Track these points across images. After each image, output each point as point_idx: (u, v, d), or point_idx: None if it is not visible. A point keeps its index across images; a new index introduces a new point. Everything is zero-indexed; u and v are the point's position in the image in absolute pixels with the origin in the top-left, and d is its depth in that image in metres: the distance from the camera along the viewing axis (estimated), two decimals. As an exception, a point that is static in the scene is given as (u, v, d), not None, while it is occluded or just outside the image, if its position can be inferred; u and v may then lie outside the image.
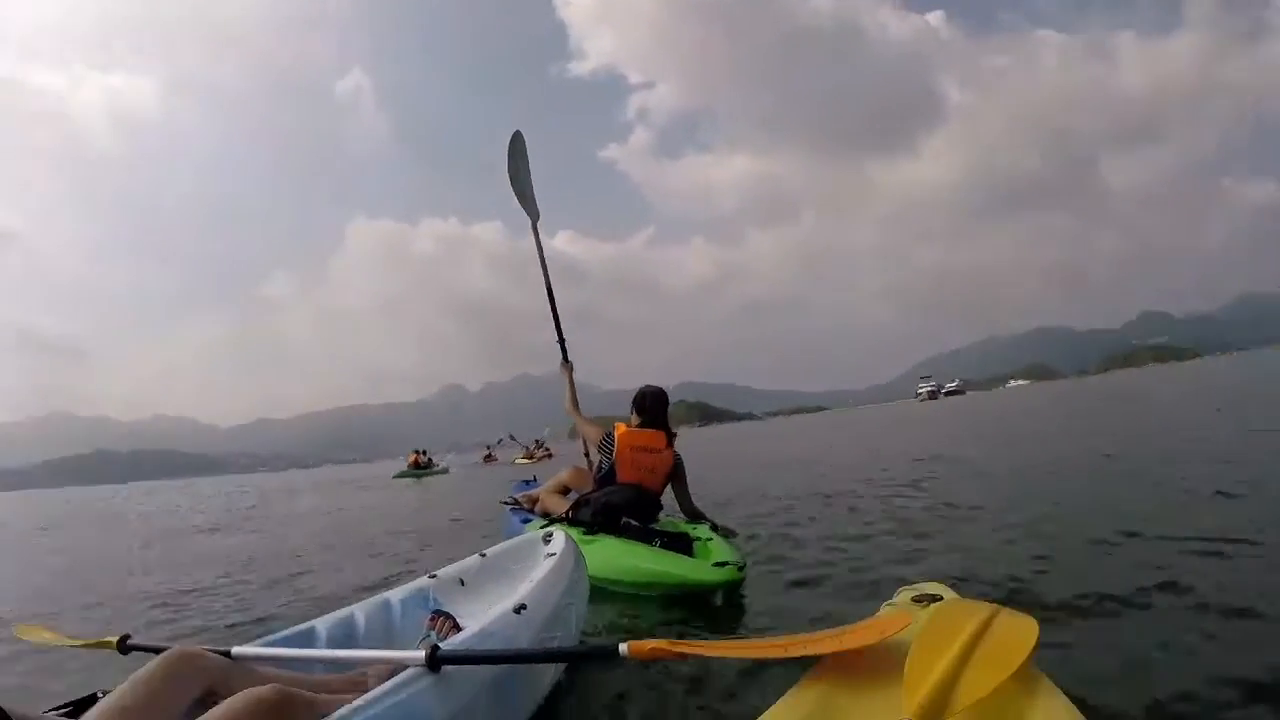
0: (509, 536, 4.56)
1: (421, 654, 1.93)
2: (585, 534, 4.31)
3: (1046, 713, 1.36)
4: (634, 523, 4.51)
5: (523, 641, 2.27)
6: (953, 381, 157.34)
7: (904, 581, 1.94)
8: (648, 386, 5.04)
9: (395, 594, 2.96)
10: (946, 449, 13.36)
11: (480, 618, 2.37)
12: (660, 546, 4.19)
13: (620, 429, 4.86)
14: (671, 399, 5.42)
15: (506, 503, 6.18)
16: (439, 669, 1.91)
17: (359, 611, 2.78)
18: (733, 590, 3.73)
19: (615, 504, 4.57)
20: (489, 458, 41.40)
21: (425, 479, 27.79)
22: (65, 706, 1.84)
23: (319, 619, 2.67)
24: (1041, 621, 1.66)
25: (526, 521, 5.26)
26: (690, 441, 5.70)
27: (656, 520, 4.72)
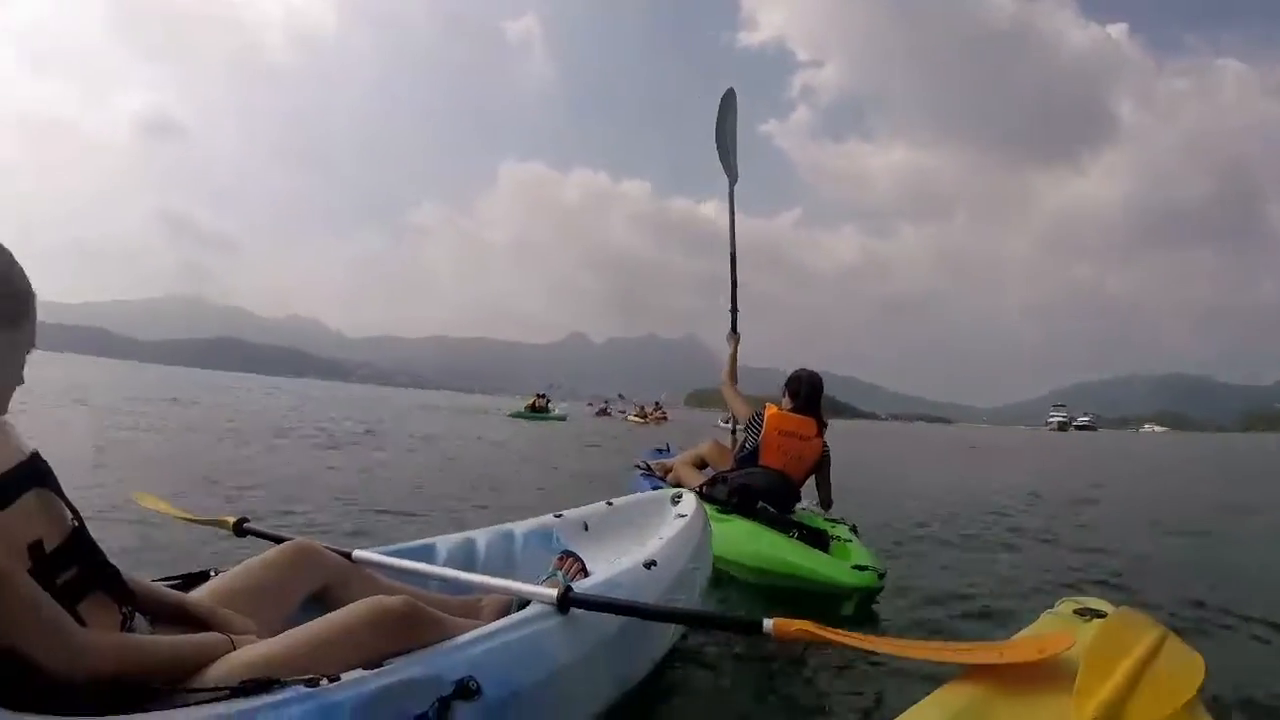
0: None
1: (553, 592, 1.88)
2: (719, 511, 4.07)
3: None
4: (770, 509, 4.18)
5: (649, 598, 2.17)
6: (1085, 415, 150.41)
7: (1068, 592, 1.80)
8: (804, 370, 4.72)
9: (519, 526, 2.91)
10: (1099, 482, 12.99)
11: (609, 567, 2.32)
12: (797, 537, 3.92)
13: (771, 410, 4.57)
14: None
15: (639, 466, 5.89)
16: (568, 610, 1.86)
17: (480, 537, 2.75)
18: (867, 598, 3.48)
19: (754, 487, 4.29)
20: (603, 411, 42.08)
21: (541, 422, 28.38)
22: (176, 579, 1.82)
23: (439, 537, 2.66)
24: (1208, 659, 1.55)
25: (655, 489, 5.02)
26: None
27: (793, 511, 4.43)
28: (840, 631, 1.77)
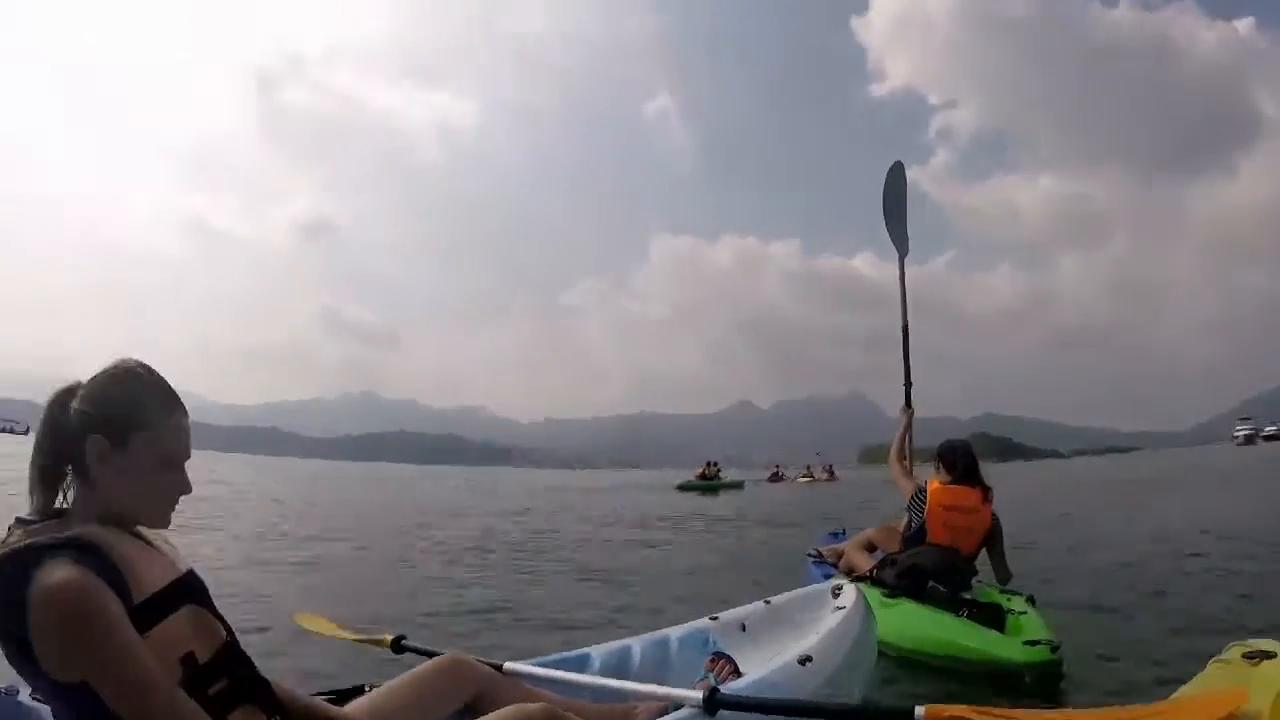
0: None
1: (699, 694, 1.88)
2: (887, 595, 4.00)
3: None
4: (941, 588, 4.03)
5: (804, 695, 2.11)
6: (1274, 425, 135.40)
7: (1235, 638, 1.66)
8: (952, 441, 4.62)
9: (674, 631, 2.89)
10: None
11: (762, 666, 2.27)
12: (967, 616, 3.74)
13: (933, 485, 4.47)
14: (970, 430, 4.99)
15: (810, 555, 5.68)
16: (715, 712, 1.85)
17: (635, 644, 2.74)
18: (1048, 675, 3.29)
19: (923, 566, 4.17)
20: (776, 476, 41.05)
21: (715, 491, 27.95)
22: (331, 693, 1.91)
23: (593, 647, 2.66)
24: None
25: (828, 577, 4.77)
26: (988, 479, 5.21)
27: (969, 587, 4.27)
28: (999, 710, 1.72)
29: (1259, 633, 2.23)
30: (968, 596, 4.03)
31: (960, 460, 4.48)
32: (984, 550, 4.45)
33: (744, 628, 2.99)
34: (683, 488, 29.40)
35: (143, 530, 1.47)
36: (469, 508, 17.50)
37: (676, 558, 8.94)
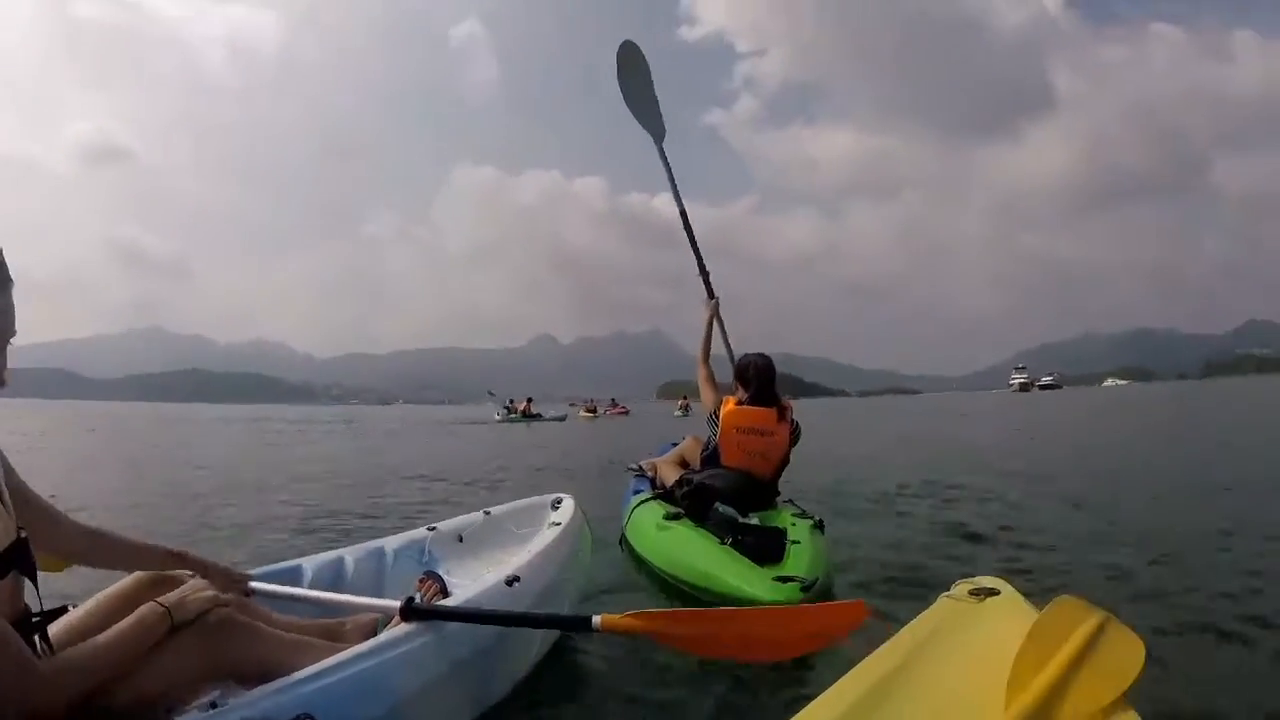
0: (625, 504, 4.47)
1: (395, 604, 1.91)
2: (665, 517, 3.88)
3: None
4: (727, 511, 3.82)
5: None
6: (1049, 375, 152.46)
7: (963, 575, 1.81)
8: (751, 356, 4.35)
9: (390, 542, 2.86)
10: (1033, 445, 13.38)
11: (469, 587, 2.26)
12: (741, 543, 3.51)
13: (728, 405, 4.26)
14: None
15: (631, 468, 5.47)
16: (411, 620, 1.88)
17: (349, 555, 2.68)
18: None
19: (712, 489, 4.00)
20: (591, 411, 40.46)
21: (535, 425, 28.75)
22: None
23: (306, 559, 2.59)
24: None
25: (639, 492, 4.65)
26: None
27: (771, 507, 4.11)
28: (670, 613, 1.90)
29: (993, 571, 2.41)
30: (753, 521, 3.80)
31: (755, 377, 4.26)
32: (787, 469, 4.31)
33: (461, 539, 3.01)
34: (507, 422, 30.54)
35: None
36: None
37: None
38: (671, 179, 5.57)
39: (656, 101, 5.82)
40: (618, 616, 1.86)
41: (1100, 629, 1.48)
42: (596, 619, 1.86)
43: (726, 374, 4.65)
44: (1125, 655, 1.43)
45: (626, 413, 40.58)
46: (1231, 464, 9.15)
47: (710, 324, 4.87)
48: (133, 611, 1.71)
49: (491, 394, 38.39)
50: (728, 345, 5.10)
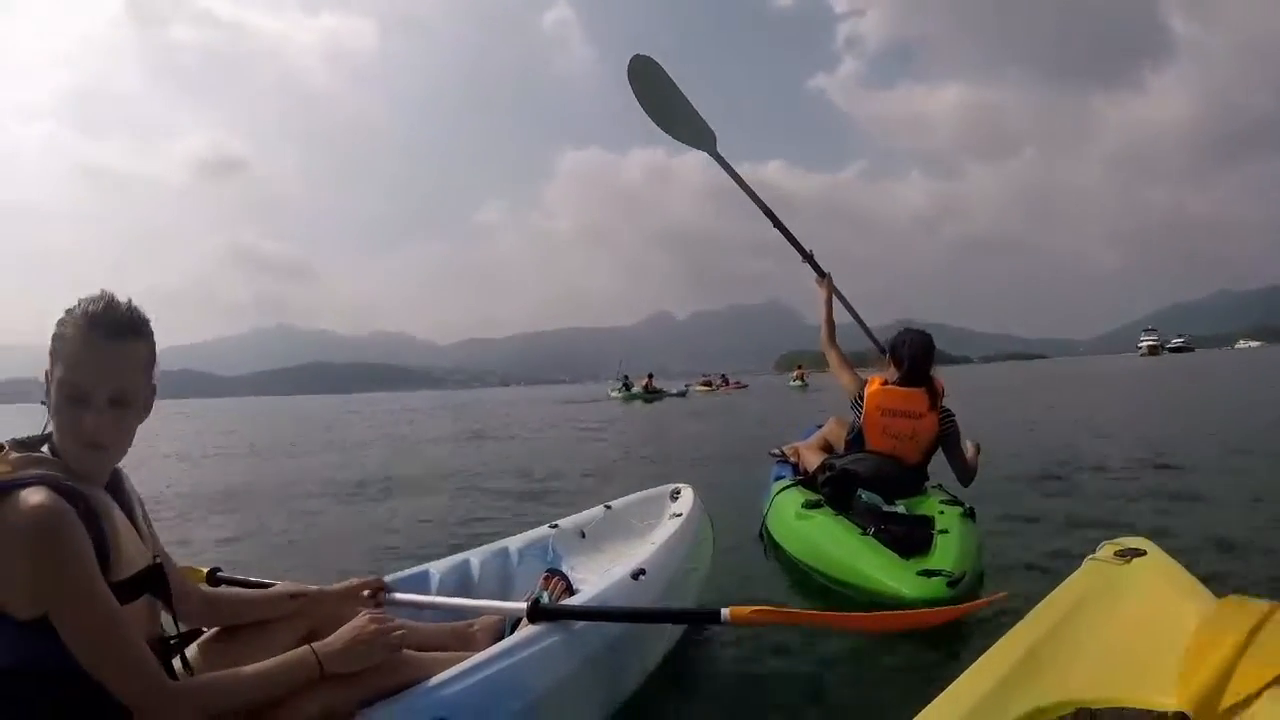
0: (766, 491, 4.37)
1: (522, 605, 1.91)
2: (805, 505, 3.69)
3: None
4: (871, 499, 3.66)
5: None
6: (1179, 337, 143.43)
7: (1108, 537, 1.71)
8: (909, 332, 4.08)
9: (514, 542, 2.86)
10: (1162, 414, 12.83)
11: (595, 583, 2.26)
12: (885, 533, 3.29)
13: (873, 385, 4.02)
14: (883, 336, 4.43)
15: (773, 453, 5.16)
16: (538, 621, 1.87)
17: (475, 558, 2.69)
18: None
19: (856, 474, 3.81)
20: (708, 384, 40.86)
21: (660, 399, 29.61)
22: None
23: (433, 563, 2.60)
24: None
25: (780, 478, 4.44)
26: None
27: (919, 494, 3.86)
28: (797, 611, 1.91)
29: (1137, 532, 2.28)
30: (898, 509, 3.61)
31: (908, 355, 3.98)
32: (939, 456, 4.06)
33: (583, 535, 2.98)
34: (627, 399, 30.85)
35: (129, 499, 1.47)
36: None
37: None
38: (740, 183, 5.01)
39: (692, 108, 5.08)
40: (747, 609, 1.82)
41: (1269, 615, 1.34)
42: (725, 611, 1.83)
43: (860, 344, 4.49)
44: None
45: (744, 386, 41.11)
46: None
47: (829, 303, 4.58)
48: (274, 629, 1.77)
49: (620, 376, 37.14)
50: (858, 319, 4.87)
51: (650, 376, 34.55)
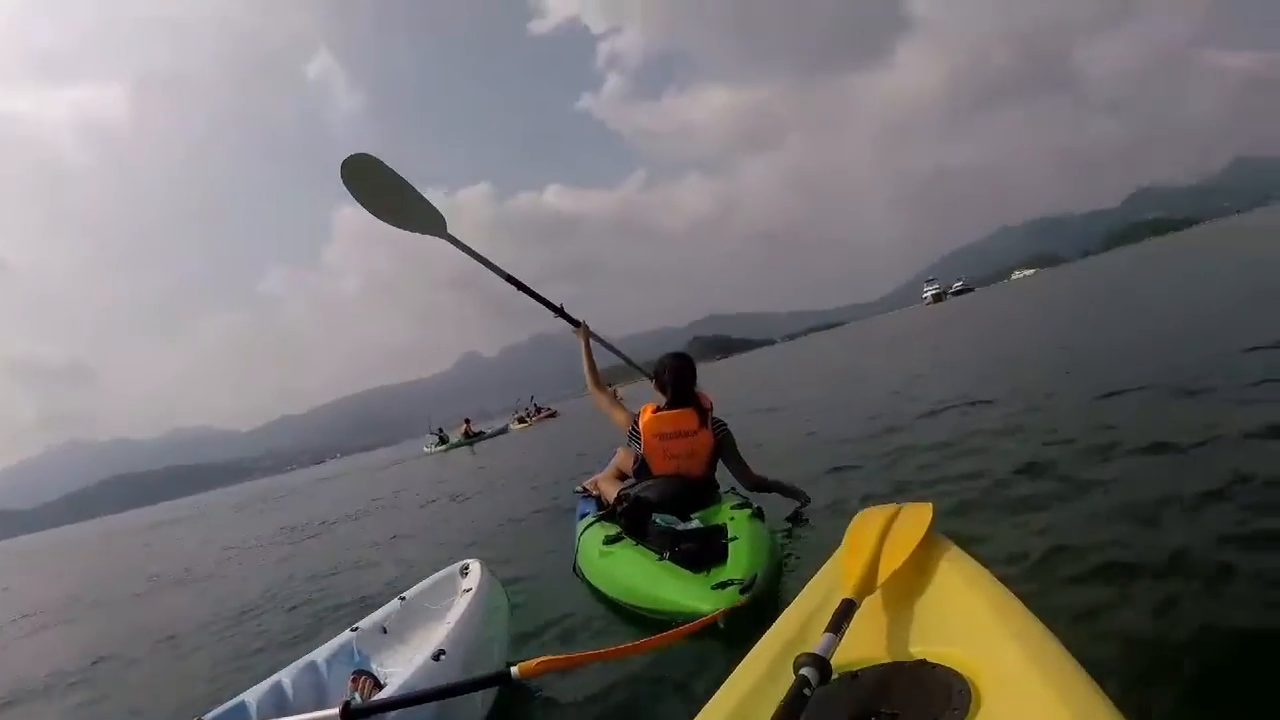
0: (574, 530, 4.44)
1: (335, 711, 1.95)
2: (605, 541, 3.77)
3: (950, 562, 1.71)
4: (662, 521, 3.73)
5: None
6: (958, 280, 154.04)
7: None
8: (667, 357, 4.33)
9: (320, 653, 2.93)
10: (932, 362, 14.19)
11: (400, 673, 2.34)
12: (679, 554, 3.42)
13: (645, 415, 4.24)
14: (690, 335, 4.52)
15: (577, 491, 5.33)
16: None
17: (285, 677, 2.74)
18: (740, 615, 2.83)
19: (647, 500, 3.95)
20: (523, 420, 38.42)
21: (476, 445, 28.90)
22: None
23: (248, 691, 2.62)
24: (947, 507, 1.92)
25: (584, 515, 4.54)
26: (703, 380, 4.63)
27: (713, 504, 4.05)
28: (576, 655, 2.13)
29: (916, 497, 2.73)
30: (694, 524, 3.72)
31: (671, 380, 4.25)
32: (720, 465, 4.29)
33: (385, 630, 3.10)
34: (448, 449, 30.34)
35: None
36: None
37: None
38: (477, 257, 4.92)
39: (418, 195, 4.83)
40: (534, 662, 1.96)
41: (895, 514, 1.94)
42: (514, 669, 1.97)
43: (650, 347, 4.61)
44: (918, 516, 1.89)
45: (554, 414, 38.82)
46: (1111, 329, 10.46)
47: (589, 350, 4.80)
48: None
49: (434, 430, 36.24)
50: (621, 355, 5.13)
51: (468, 421, 34.31)
